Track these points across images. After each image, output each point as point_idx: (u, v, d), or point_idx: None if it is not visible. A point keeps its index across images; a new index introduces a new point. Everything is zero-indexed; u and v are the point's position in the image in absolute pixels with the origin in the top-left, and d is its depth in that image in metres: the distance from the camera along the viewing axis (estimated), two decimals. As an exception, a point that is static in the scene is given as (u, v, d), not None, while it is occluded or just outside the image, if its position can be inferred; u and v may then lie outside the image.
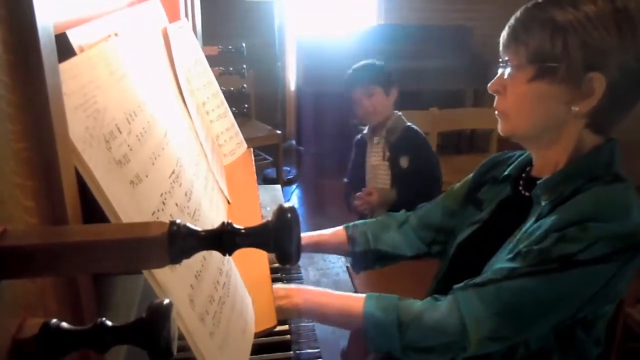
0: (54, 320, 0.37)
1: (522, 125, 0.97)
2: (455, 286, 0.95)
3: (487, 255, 1.00)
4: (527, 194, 1.02)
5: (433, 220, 1.24)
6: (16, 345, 0.37)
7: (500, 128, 1.00)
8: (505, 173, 1.10)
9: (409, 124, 2.29)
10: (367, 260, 1.27)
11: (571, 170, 0.94)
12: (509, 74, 0.96)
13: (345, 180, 2.48)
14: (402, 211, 1.32)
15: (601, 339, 0.99)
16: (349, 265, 2.17)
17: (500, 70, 0.99)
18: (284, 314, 1.00)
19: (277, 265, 1.20)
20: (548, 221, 0.89)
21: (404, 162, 2.23)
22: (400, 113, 2.32)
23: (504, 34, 0.97)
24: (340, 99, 4.06)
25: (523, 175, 1.07)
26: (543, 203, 0.95)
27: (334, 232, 1.29)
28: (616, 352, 2.07)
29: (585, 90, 0.90)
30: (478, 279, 0.92)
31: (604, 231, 0.84)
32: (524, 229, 0.95)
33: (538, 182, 0.97)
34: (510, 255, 0.91)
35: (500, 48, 0.98)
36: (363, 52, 4.11)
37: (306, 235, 1.26)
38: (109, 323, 0.37)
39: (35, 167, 0.42)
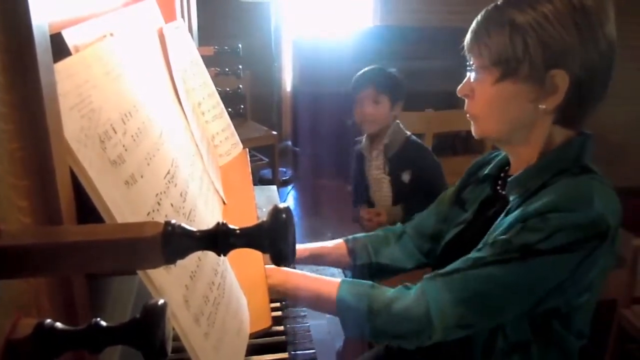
0: (48, 321, 0.37)
1: (493, 127, 0.99)
2: (425, 275, 0.97)
3: None
4: (504, 192, 1.04)
5: (427, 229, 1.25)
6: (10, 346, 0.36)
7: (473, 130, 1.02)
8: (485, 173, 1.13)
9: (408, 134, 2.17)
10: (367, 273, 1.28)
11: (541, 165, 0.96)
12: (475, 78, 0.98)
13: (349, 188, 2.35)
14: (398, 224, 1.33)
15: (584, 331, 1.00)
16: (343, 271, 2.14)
17: (468, 74, 1.00)
18: None
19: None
20: (515, 214, 0.92)
21: (405, 177, 2.14)
22: (399, 122, 2.18)
23: (467, 37, 0.98)
24: (337, 100, 4.09)
25: (502, 174, 1.09)
26: (511, 198, 0.97)
27: (335, 245, 1.29)
28: (611, 353, 2.08)
29: (549, 88, 0.91)
30: (446, 269, 0.95)
31: (565, 221, 0.86)
32: (495, 223, 0.97)
33: (508, 179, 0.99)
34: (479, 247, 0.94)
35: (465, 51, 0.99)
36: (359, 53, 4.11)
37: (306, 248, 1.26)
38: (104, 323, 0.37)
39: (29, 167, 0.41)
